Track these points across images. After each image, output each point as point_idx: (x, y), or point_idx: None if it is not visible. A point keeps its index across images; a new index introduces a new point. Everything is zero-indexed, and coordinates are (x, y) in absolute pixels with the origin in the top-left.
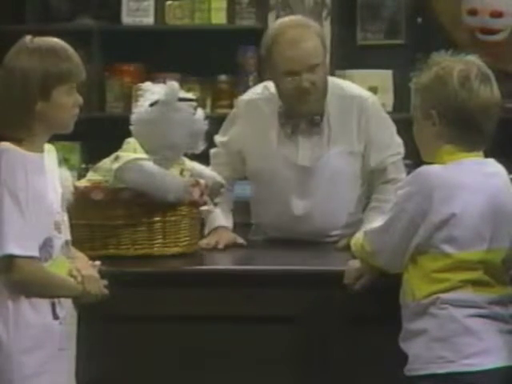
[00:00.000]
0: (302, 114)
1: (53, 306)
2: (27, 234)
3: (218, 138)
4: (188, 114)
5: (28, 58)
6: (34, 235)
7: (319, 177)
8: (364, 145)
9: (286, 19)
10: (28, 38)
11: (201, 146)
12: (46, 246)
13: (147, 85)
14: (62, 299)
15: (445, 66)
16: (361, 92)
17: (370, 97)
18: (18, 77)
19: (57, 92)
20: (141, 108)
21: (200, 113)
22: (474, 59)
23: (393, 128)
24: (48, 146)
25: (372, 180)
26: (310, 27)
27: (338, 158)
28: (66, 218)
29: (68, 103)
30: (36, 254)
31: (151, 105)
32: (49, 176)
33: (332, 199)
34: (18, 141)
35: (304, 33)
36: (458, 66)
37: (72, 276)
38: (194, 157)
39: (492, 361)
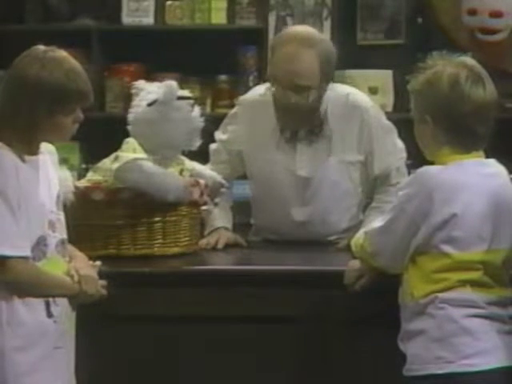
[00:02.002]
0: (287, 125)
1: (47, 304)
2: (18, 234)
3: (218, 135)
4: (186, 113)
5: (40, 72)
6: (26, 235)
7: (318, 186)
8: (365, 155)
9: (293, 30)
10: (40, 48)
11: (196, 143)
12: (40, 244)
13: (142, 83)
14: (57, 298)
15: (435, 70)
16: (361, 101)
17: (371, 106)
18: (27, 89)
19: (62, 112)
20: (138, 108)
21: (197, 110)
22: (465, 60)
23: (394, 133)
24: (47, 146)
25: (375, 184)
26: (313, 45)
27: (337, 167)
28: (61, 217)
29: (68, 121)
30: (28, 253)
31: (149, 104)
32: (42, 176)
33: (332, 207)
34: (12, 143)
35: (301, 52)
36: (447, 69)
37: (69, 275)
38: (192, 154)
39: (490, 361)
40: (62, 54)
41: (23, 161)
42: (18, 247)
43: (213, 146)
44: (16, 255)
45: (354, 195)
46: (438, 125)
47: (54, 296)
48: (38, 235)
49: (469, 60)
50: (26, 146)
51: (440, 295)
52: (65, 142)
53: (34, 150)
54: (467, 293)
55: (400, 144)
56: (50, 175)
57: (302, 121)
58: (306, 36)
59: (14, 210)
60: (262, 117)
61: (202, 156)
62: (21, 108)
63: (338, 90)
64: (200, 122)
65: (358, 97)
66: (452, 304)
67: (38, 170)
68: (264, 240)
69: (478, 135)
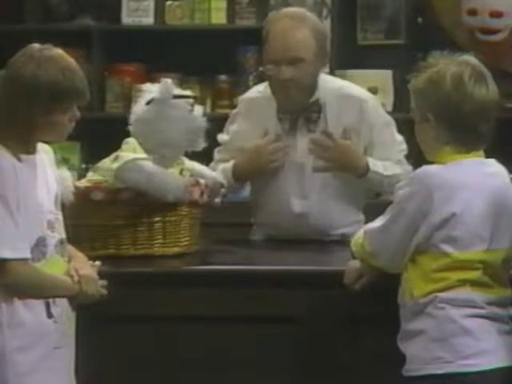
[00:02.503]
0: (284, 106)
1: (47, 304)
2: (18, 236)
3: (220, 137)
4: (184, 111)
5: (36, 71)
6: (25, 236)
7: (317, 175)
8: (364, 146)
9: (284, 10)
10: (36, 47)
11: (201, 144)
12: (39, 245)
13: (146, 86)
14: (57, 298)
15: (438, 69)
16: (361, 93)
17: (370, 98)
18: (24, 88)
19: (58, 110)
20: (138, 108)
21: (198, 109)
22: (468, 59)
23: (393, 126)
24: (43, 146)
25: None
26: (305, 21)
27: None
28: (60, 216)
29: (65, 120)
30: (28, 255)
31: (147, 103)
32: (40, 176)
33: (330, 198)
34: (8, 143)
35: (293, 25)
36: (451, 68)
37: (69, 276)
38: (194, 155)
39: (490, 361)
40: (58, 51)
41: (20, 160)
42: (18, 249)
43: (217, 149)
44: (16, 257)
45: (353, 187)
46: (440, 124)
47: (54, 297)
48: (37, 236)
49: (471, 59)
50: (23, 146)
51: (440, 295)
52: (61, 141)
53: (30, 150)
54: (467, 292)
55: (399, 137)
56: (48, 174)
57: (298, 100)
58: (297, 14)
59: (13, 211)
60: (261, 112)
61: (202, 156)
62: (18, 107)
63: (334, 83)
64: (202, 122)
65: (355, 89)
66: (452, 304)
67: (36, 170)
68: (264, 239)
69: (480, 134)
